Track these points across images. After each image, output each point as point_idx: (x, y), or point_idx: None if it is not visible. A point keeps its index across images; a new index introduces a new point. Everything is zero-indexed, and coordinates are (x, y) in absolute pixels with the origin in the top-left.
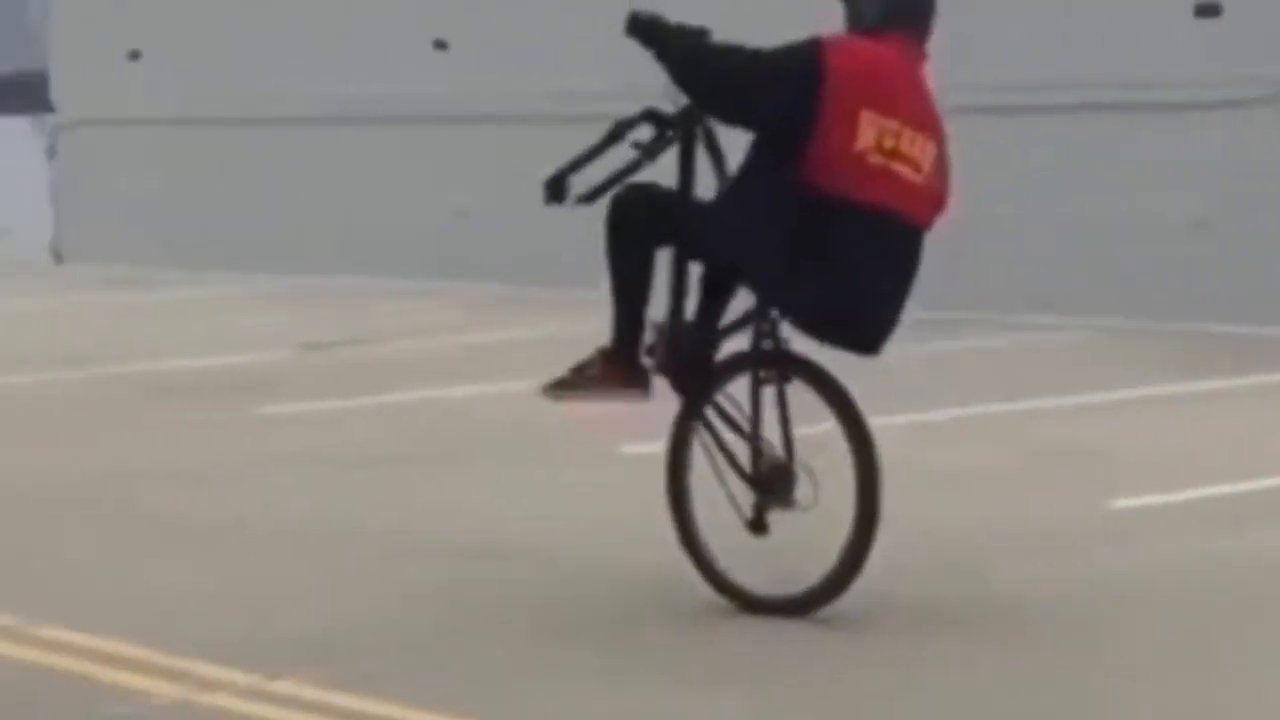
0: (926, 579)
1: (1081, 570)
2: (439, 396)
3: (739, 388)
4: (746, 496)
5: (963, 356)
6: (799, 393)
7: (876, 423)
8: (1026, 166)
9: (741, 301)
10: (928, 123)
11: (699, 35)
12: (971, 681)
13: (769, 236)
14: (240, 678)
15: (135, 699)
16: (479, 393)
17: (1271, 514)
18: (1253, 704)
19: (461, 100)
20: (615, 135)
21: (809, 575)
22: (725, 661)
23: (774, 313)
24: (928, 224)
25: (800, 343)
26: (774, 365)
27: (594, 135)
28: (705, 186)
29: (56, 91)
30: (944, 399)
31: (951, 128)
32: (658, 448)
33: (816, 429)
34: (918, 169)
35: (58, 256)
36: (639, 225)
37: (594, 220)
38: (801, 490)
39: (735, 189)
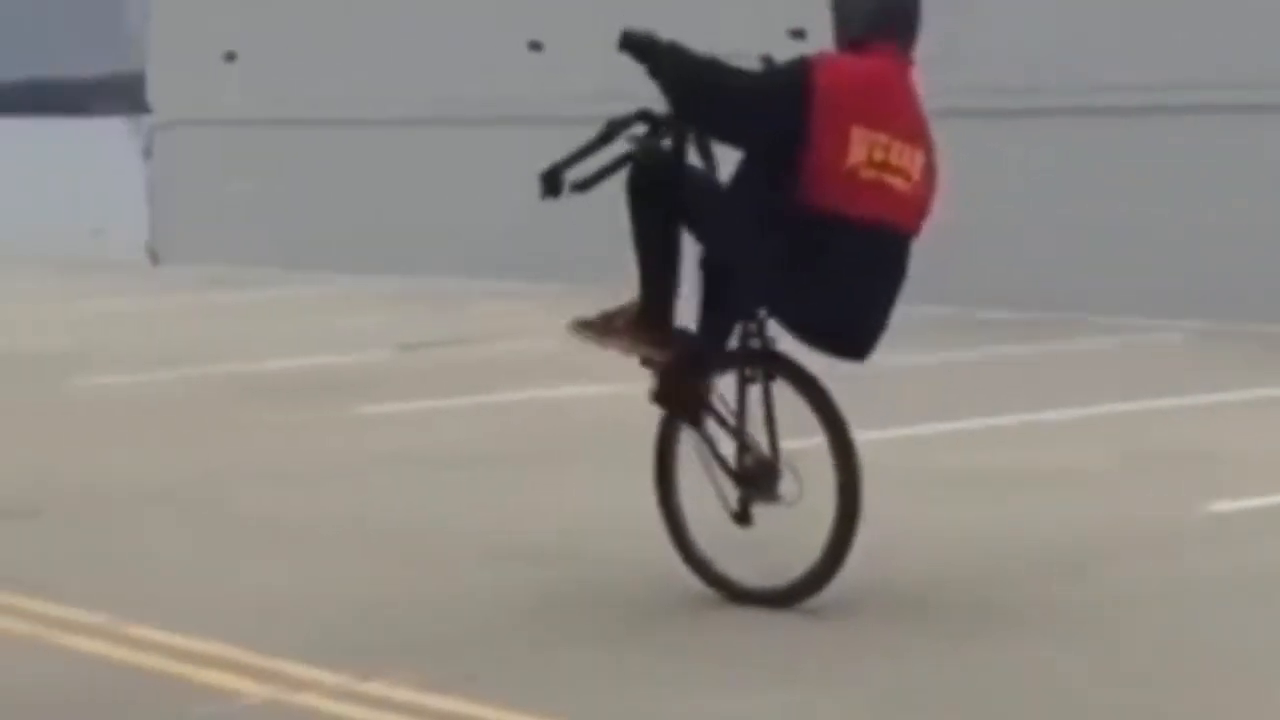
0: (1016, 578)
1: (1174, 571)
2: (536, 397)
3: (726, 385)
4: (732, 490)
5: (1069, 358)
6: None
7: (987, 424)
8: (1129, 171)
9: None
10: (917, 132)
11: (691, 54)
12: (1051, 681)
13: (763, 250)
14: (330, 678)
15: (226, 699)
16: (576, 394)
17: None
18: None
19: (557, 101)
20: (609, 135)
21: (794, 569)
22: (796, 663)
23: (761, 313)
24: (917, 231)
25: (789, 344)
26: (760, 364)
27: None
28: None
29: (153, 93)
30: (1050, 400)
31: (1051, 131)
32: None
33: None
34: (908, 179)
35: (154, 257)
36: (656, 187)
37: None
38: (786, 485)
39: (728, 203)
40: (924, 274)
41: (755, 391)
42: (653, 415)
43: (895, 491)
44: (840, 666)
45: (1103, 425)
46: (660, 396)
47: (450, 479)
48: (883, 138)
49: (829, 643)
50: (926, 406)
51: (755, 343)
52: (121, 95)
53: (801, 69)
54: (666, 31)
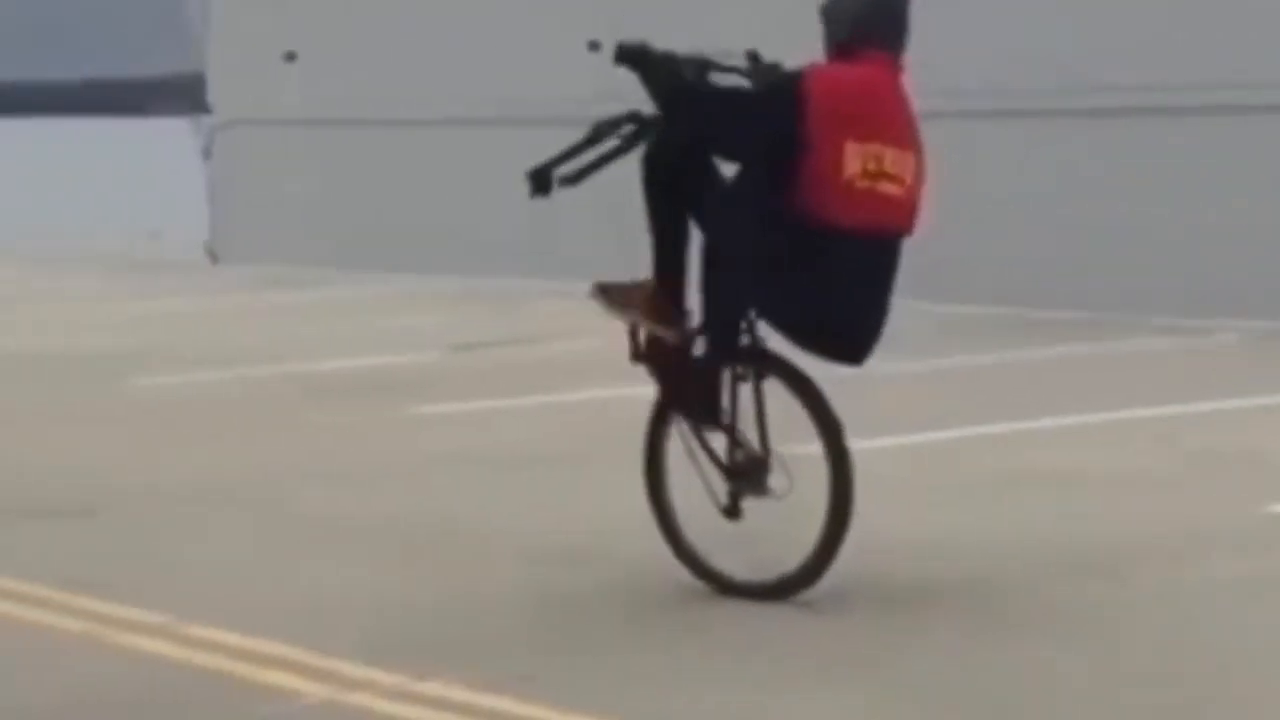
0: (1069, 578)
1: (1235, 571)
2: (593, 397)
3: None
4: (722, 484)
5: (1125, 359)
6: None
7: (1046, 425)
8: (1185, 171)
9: None
10: (907, 137)
11: (683, 68)
12: (1099, 683)
13: (760, 254)
14: (387, 678)
15: (283, 698)
16: (634, 394)
17: None
18: None
19: (616, 101)
20: (597, 136)
21: (784, 562)
22: (858, 659)
23: (752, 311)
24: (911, 231)
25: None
26: (751, 362)
27: None
28: None
29: (213, 93)
30: (1106, 401)
31: (1100, 131)
32: (811, 449)
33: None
34: (901, 184)
35: (213, 257)
36: (669, 170)
37: None
38: (776, 480)
39: (731, 201)
40: (978, 274)
41: (746, 388)
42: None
43: (944, 492)
44: (893, 665)
45: (1160, 426)
46: (675, 401)
47: (506, 479)
48: (876, 147)
49: (879, 641)
50: (981, 407)
51: (745, 340)
52: (181, 96)
53: (794, 79)
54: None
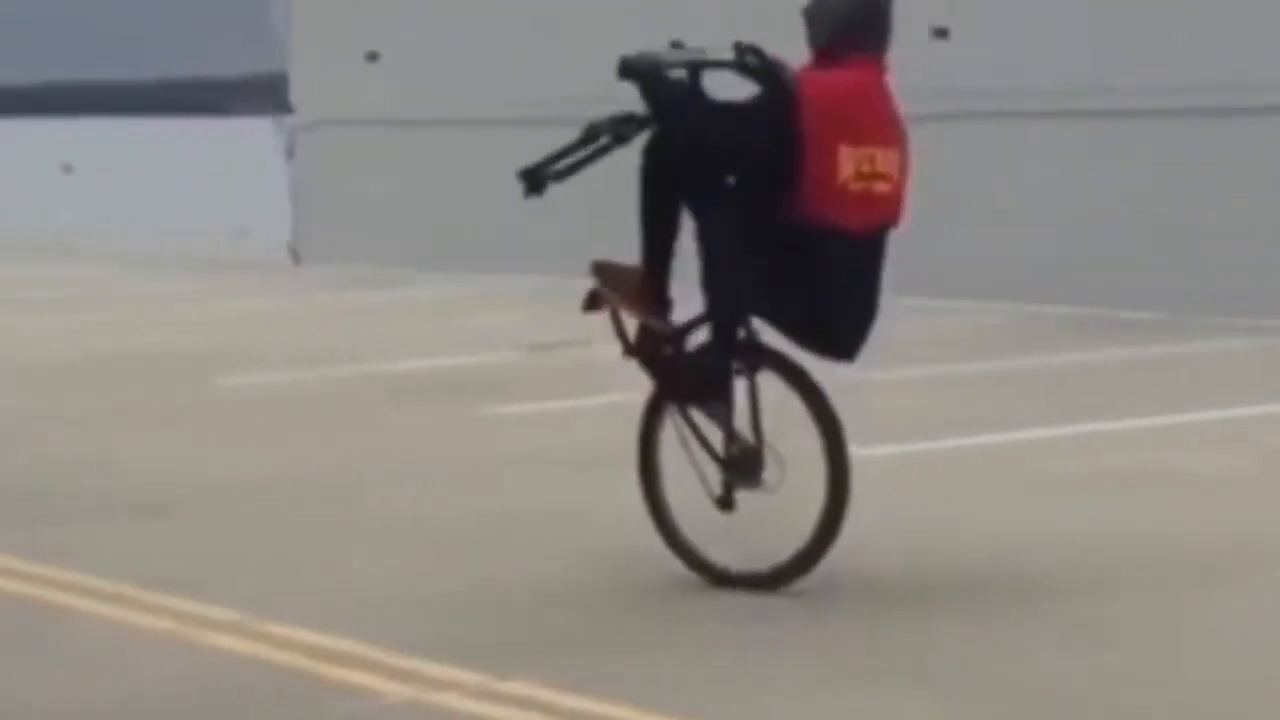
0: (1149, 580)
1: None
2: None
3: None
4: (716, 476)
5: (1208, 359)
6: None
7: (1124, 426)
8: (1268, 171)
9: None
10: (893, 136)
11: (684, 86)
12: (1172, 695)
13: (759, 263)
14: (470, 677)
15: (365, 697)
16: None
17: None
18: None
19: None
20: (589, 137)
21: (777, 554)
22: (926, 663)
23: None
24: (898, 223)
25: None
26: (745, 356)
27: None
28: None
29: (296, 93)
30: (1189, 402)
31: (1182, 132)
32: (897, 449)
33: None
34: (890, 180)
35: (295, 257)
36: (669, 163)
37: None
38: (769, 472)
39: (724, 217)
40: (1056, 275)
41: (742, 382)
42: (782, 418)
43: (1019, 493)
44: (975, 669)
45: (1242, 428)
46: (673, 391)
47: (584, 479)
48: (868, 150)
49: (959, 644)
50: (1058, 408)
51: (740, 335)
52: (264, 96)
53: (786, 96)
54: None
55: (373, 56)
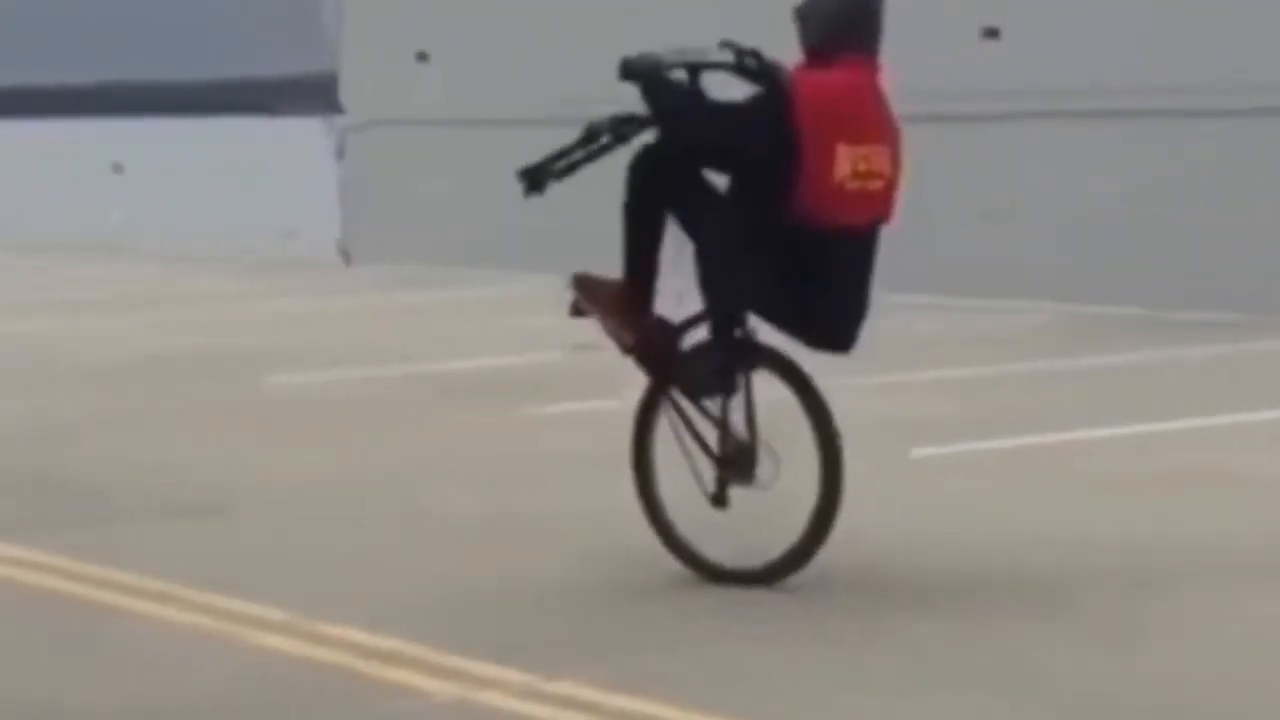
0: (1211, 580)
1: None
2: None
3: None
4: (710, 473)
5: (1266, 359)
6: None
7: (1174, 426)
8: None
9: None
10: (886, 134)
11: (684, 87)
12: (1222, 696)
13: (757, 265)
14: (517, 677)
15: (412, 696)
16: (783, 394)
17: None
18: None
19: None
20: (590, 137)
21: (769, 550)
22: (980, 663)
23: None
24: (890, 217)
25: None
26: (742, 354)
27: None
28: None
29: (346, 93)
30: (1238, 403)
31: (1242, 131)
32: (946, 449)
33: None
34: (883, 178)
35: (346, 257)
36: (657, 182)
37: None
38: (763, 470)
39: (720, 219)
40: (1118, 275)
41: (737, 379)
42: (841, 417)
43: (1079, 492)
44: (1024, 670)
45: None
46: (677, 384)
47: (629, 478)
48: (863, 149)
49: (1008, 644)
50: (1114, 408)
51: (736, 332)
52: (314, 96)
53: (781, 96)
54: None
55: (422, 57)
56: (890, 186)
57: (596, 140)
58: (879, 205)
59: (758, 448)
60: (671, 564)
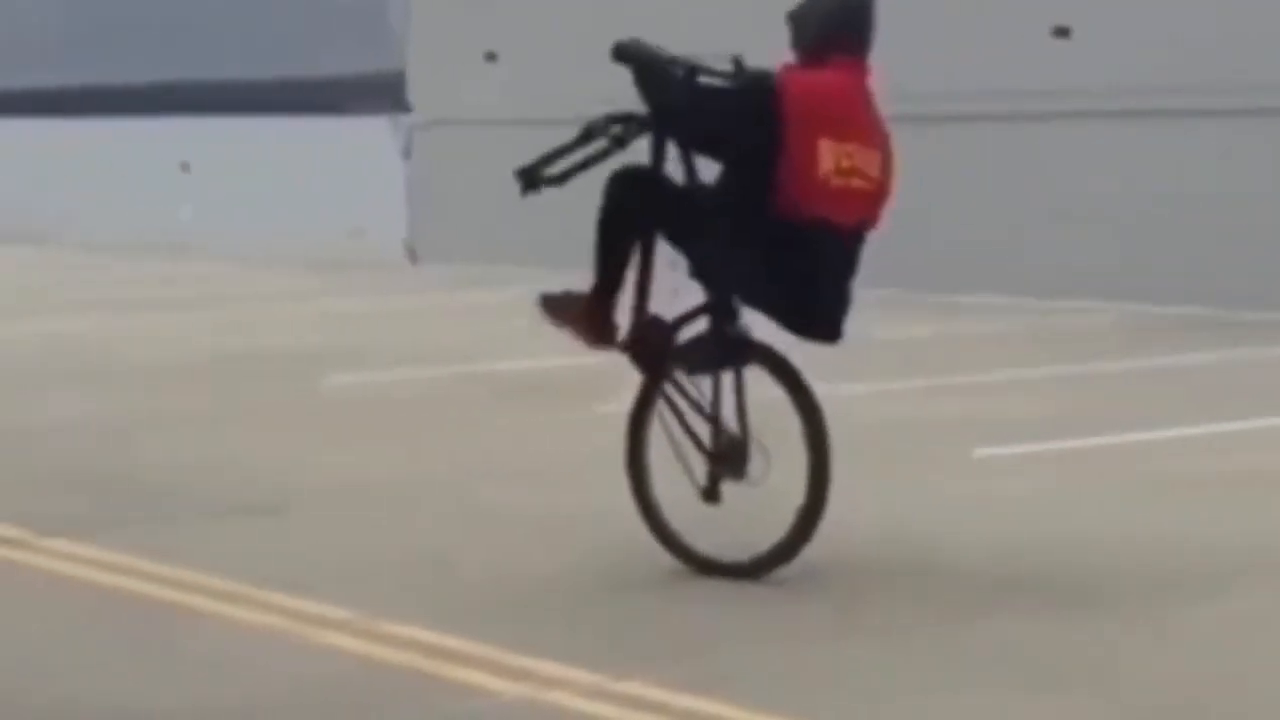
0: (1264, 585)
1: None
2: (776, 397)
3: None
4: (703, 469)
5: None
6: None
7: (1246, 426)
8: None
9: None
10: (875, 137)
11: (674, 74)
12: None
13: (749, 258)
14: (585, 676)
15: (479, 695)
16: (849, 392)
17: None
18: None
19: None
20: (588, 136)
21: (758, 544)
22: (1066, 663)
23: (734, 303)
24: (877, 222)
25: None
26: (734, 349)
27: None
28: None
29: (413, 92)
30: None
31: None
32: (1020, 449)
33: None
34: (870, 179)
35: (413, 256)
36: (634, 205)
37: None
38: (755, 465)
39: (711, 220)
40: (1189, 275)
41: (729, 376)
42: (921, 415)
43: (1141, 493)
44: (1101, 670)
45: None
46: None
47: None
48: (849, 147)
49: (1086, 644)
50: (1186, 407)
51: (731, 331)
52: (381, 95)
53: (770, 86)
54: None
55: (491, 56)
56: (878, 191)
57: (592, 139)
58: (864, 206)
59: (749, 443)
60: None
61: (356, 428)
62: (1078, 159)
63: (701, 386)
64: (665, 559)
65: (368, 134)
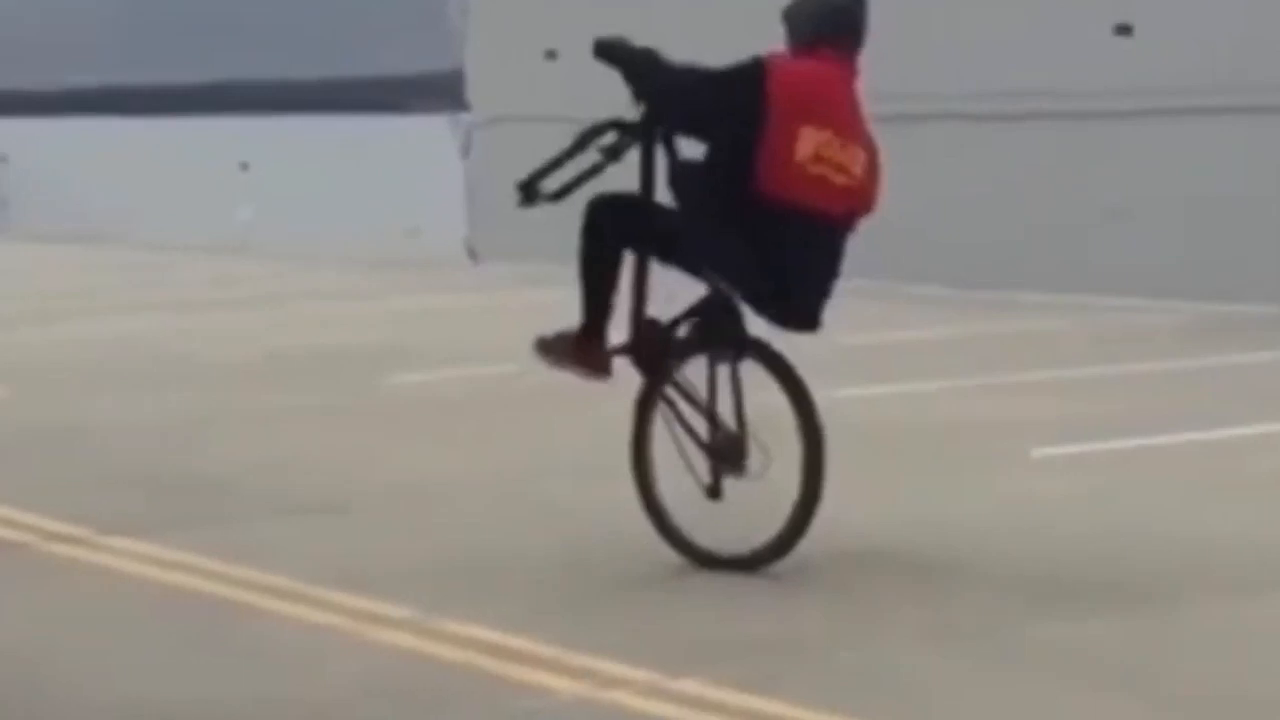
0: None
1: None
2: (851, 396)
3: (697, 366)
4: (704, 466)
5: None
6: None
7: None
8: None
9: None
10: (858, 133)
11: (654, 55)
12: None
13: (729, 242)
14: (643, 675)
15: (538, 694)
16: (913, 391)
17: None
18: None
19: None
20: (582, 143)
21: (755, 538)
22: (1121, 663)
23: (727, 297)
24: (853, 223)
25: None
26: (729, 346)
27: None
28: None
29: (472, 90)
30: None
31: None
32: (1072, 449)
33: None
34: (851, 175)
35: (473, 255)
36: (612, 230)
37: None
38: (753, 460)
39: (694, 203)
40: (1248, 273)
41: (724, 371)
42: (972, 415)
43: (1215, 491)
44: (1164, 669)
45: None
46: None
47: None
48: (828, 135)
49: (1136, 643)
50: (1260, 406)
51: (727, 326)
52: (440, 93)
53: (757, 67)
54: None
55: (550, 55)
56: (862, 188)
57: (587, 146)
58: (841, 200)
59: (747, 438)
60: (793, 561)
61: (417, 426)
62: (1139, 156)
63: (699, 384)
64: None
65: (427, 132)
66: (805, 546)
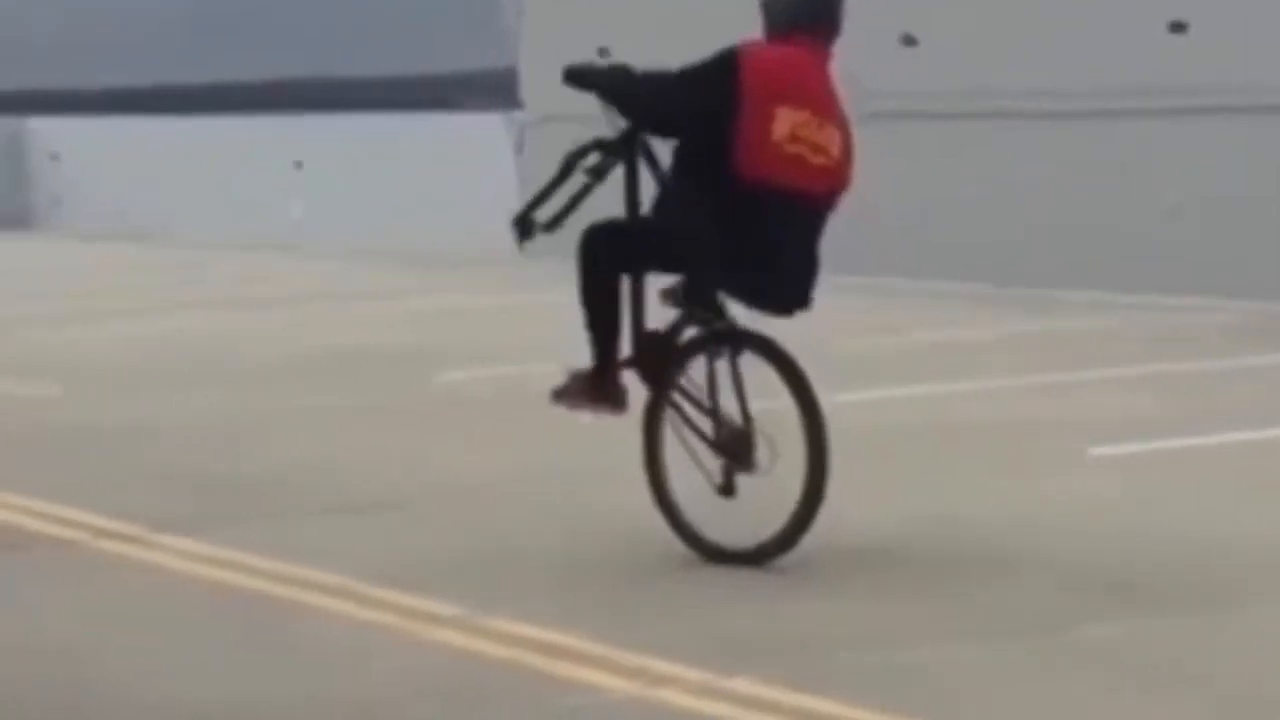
0: None
1: None
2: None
3: (698, 367)
4: (715, 465)
5: None
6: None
7: None
8: None
9: None
10: (833, 114)
11: (625, 69)
12: None
13: (706, 226)
14: (694, 674)
15: (588, 692)
16: (950, 390)
17: None
18: None
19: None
20: (568, 168)
21: (761, 533)
22: (1176, 663)
23: (719, 295)
24: (832, 203)
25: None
26: (725, 342)
27: None
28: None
29: (525, 88)
30: None
31: None
32: (1128, 448)
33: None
34: (829, 155)
35: (525, 252)
36: (608, 258)
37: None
38: (761, 454)
39: (671, 193)
40: None
41: (723, 367)
42: (1025, 414)
43: (1249, 493)
44: (1222, 670)
45: None
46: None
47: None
48: (804, 115)
49: (1199, 643)
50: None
51: (720, 324)
52: (494, 91)
53: (729, 55)
54: None
55: (603, 53)
56: (839, 168)
57: (573, 170)
58: (819, 180)
59: (753, 433)
60: (843, 559)
61: (467, 425)
62: (1194, 154)
63: (700, 383)
64: (776, 561)
65: (480, 130)
66: (850, 542)
